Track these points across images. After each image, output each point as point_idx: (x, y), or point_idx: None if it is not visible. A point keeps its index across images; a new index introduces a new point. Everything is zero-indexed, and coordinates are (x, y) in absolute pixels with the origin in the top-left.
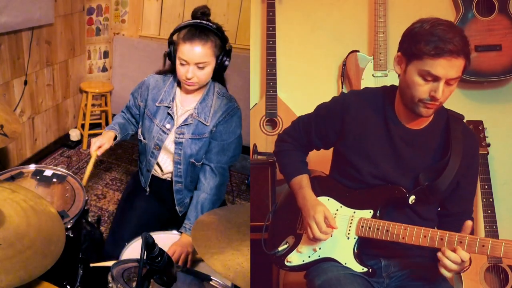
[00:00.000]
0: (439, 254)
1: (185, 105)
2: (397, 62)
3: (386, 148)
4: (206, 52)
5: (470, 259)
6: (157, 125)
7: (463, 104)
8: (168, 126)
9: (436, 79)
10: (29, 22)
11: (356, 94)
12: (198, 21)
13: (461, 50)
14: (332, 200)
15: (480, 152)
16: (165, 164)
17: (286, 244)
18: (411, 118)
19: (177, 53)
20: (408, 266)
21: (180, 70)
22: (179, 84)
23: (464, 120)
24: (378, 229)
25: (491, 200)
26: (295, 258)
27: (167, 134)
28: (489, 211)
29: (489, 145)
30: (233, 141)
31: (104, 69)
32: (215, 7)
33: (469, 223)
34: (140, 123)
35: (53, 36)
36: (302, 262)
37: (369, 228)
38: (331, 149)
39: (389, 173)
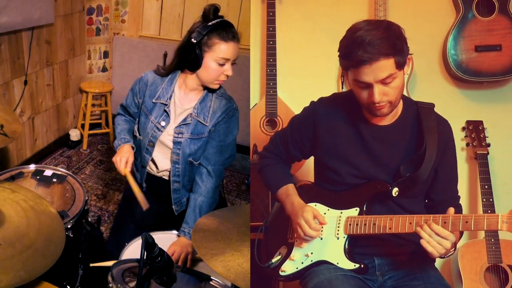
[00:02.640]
0: (417, 229)
1: (184, 104)
2: (342, 73)
3: (359, 148)
4: (239, 48)
5: (454, 243)
6: (151, 122)
7: (463, 104)
8: (163, 123)
9: (367, 85)
10: (29, 22)
11: (325, 101)
12: (224, 19)
13: (380, 53)
14: (319, 205)
15: (480, 152)
16: (160, 161)
17: (279, 255)
18: (377, 117)
19: (210, 54)
20: (402, 265)
21: (218, 71)
22: (178, 82)
23: (435, 108)
24: (365, 224)
25: (491, 200)
26: (289, 267)
27: (161, 131)
28: (489, 211)
29: (489, 145)
30: (231, 142)
31: (104, 69)
32: None
33: (451, 210)
34: (137, 119)
35: (53, 36)
36: (296, 270)
37: (357, 225)
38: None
39: (368, 171)
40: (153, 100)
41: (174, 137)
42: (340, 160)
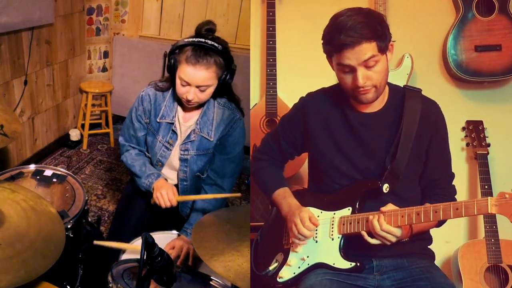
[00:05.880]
0: (370, 217)
1: (186, 120)
2: (328, 60)
3: (350, 136)
4: (210, 76)
5: (408, 230)
6: (160, 142)
7: (463, 104)
8: (172, 142)
9: (351, 69)
10: (29, 22)
11: (313, 94)
12: (203, 40)
13: (361, 36)
14: (312, 209)
15: (480, 152)
16: (170, 178)
17: (276, 262)
18: (363, 103)
19: (178, 71)
20: (402, 266)
21: (181, 90)
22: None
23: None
24: (358, 222)
25: None
26: (286, 273)
27: (170, 150)
28: None
29: (489, 145)
30: (238, 153)
31: (104, 69)
32: (215, 7)
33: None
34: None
35: (53, 36)
36: (294, 275)
37: (350, 223)
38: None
39: (359, 159)
40: (158, 120)
41: (181, 154)
42: (333, 150)
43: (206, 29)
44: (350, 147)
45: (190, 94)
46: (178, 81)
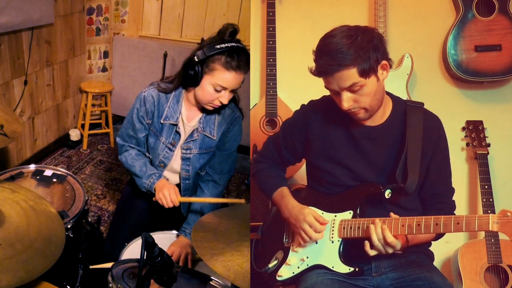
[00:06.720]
0: (370, 226)
1: (190, 120)
2: None
3: (352, 149)
4: (243, 77)
5: (404, 242)
6: (163, 143)
7: (463, 104)
8: (174, 143)
9: (335, 92)
10: (29, 22)
11: (315, 103)
12: (235, 44)
13: (339, 64)
14: (314, 208)
15: (480, 152)
16: (171, 179)
17: (276, 260)
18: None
19: (208, 77)
20: (401, 265)
21: (213, 95)
22: (184, 100)
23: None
24: (359, 227)
25: (491, 200)
26: (285, 272)
27: (173, 151)
28: (489, 211)
29: (489, 145)
30: (235, 150)
31: (104, 69)
32: (215, 7)
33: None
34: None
35: (53, 36)
36: (293, 274)
37: (351, 228)
38: None
39: (362, 172)
40: (161, 121)
41: (183, 153)
42: (333, 162)
43: (230, 33)
44: (352, 159)
45: (225, 98)
46: (209, 88)
